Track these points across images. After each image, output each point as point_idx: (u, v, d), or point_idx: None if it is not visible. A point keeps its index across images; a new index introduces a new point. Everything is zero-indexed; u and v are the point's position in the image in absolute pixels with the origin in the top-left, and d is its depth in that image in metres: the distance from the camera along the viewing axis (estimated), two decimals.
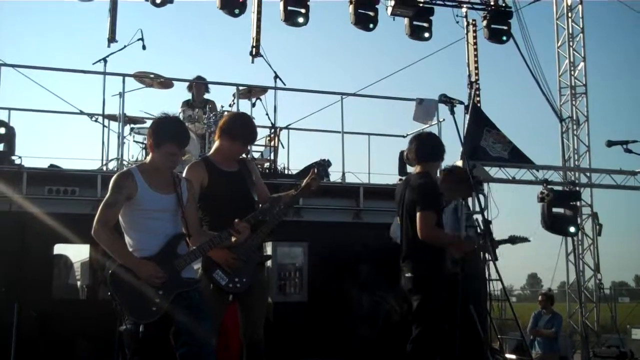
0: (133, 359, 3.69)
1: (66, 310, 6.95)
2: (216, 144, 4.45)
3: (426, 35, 11.06)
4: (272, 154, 9.17)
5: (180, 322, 3.61)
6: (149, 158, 3.89)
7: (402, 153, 8.39)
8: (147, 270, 3.60)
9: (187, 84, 9.18)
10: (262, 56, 10.38)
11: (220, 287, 4.13)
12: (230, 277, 4.13)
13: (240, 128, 4.41)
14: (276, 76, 9.27)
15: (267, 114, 9.01)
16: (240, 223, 3.82)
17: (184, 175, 4.16)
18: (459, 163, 8.84)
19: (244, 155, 4.73)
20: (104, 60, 8.40)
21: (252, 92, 9.00)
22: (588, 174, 11.95)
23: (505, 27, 11.48)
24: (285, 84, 9.32)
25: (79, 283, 8.91)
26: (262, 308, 4.47)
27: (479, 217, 8.15)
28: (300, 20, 10.30)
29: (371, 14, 10.63)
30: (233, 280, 4.14)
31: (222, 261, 4.10)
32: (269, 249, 7.00)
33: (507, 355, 8.84)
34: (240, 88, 8.70)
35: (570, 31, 13.01)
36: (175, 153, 3.79)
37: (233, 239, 3.90)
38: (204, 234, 3.96)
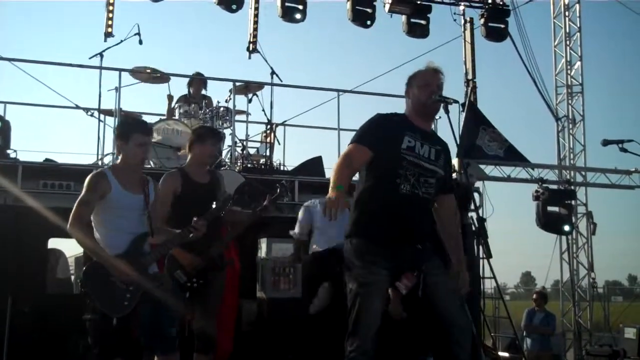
0: (96, 347, 3.92)
1: (60, 304, 6.93)
2: (189, 156, 5.01)
3: (423, 32, 11.07)
4: (267, 150, 9.16)
5: (144, 315, 3.88)
6: (119, 159, 4.11)
7: None
8: (120, 268, 3.80)
9: (186, 79, 9.16)
10: (259, 52, 10.34)
11: (180, 285, 4.72)
12: (189, 277, 4.75)
13: (205, 131, 5.31)
14: (273, 72, 9.26)
15: (263, 110, 9.02)
16: (199, 221, 4.16)
17: (161, 181, 4.62)
18: (455, 161, 8.88)
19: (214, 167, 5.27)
20: (101, 54, 8.38)
21: (248, 87, 8.98)
22: (583, 173, 11.97)
23: (502, 26, 11.48)
24: (281, 80, 9.32)
25: (72, 277, 8.91)
26: (217, 306, 4.99)
27: (473, 215, 8.26)
28: (298, 16, 10.28)
29: (369, 10, 10.61)
30: (191, 280, 4.76)
31: (187, 263, 4.71)
32: (263, 245, 7.01)
33: (500, 353, 8.87)
34: (237, 84, 8.69)
35: (567, 30, 13.01)
36: (144, 142, 4.03)
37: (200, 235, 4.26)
38: (166, 231, 4.24)
